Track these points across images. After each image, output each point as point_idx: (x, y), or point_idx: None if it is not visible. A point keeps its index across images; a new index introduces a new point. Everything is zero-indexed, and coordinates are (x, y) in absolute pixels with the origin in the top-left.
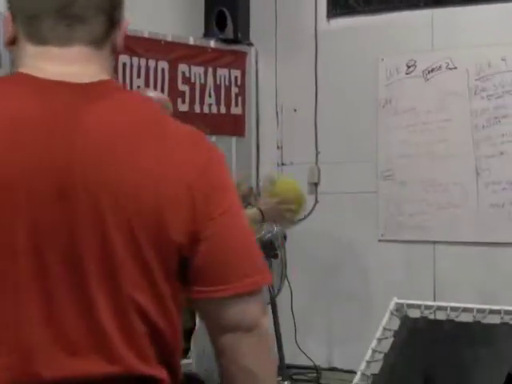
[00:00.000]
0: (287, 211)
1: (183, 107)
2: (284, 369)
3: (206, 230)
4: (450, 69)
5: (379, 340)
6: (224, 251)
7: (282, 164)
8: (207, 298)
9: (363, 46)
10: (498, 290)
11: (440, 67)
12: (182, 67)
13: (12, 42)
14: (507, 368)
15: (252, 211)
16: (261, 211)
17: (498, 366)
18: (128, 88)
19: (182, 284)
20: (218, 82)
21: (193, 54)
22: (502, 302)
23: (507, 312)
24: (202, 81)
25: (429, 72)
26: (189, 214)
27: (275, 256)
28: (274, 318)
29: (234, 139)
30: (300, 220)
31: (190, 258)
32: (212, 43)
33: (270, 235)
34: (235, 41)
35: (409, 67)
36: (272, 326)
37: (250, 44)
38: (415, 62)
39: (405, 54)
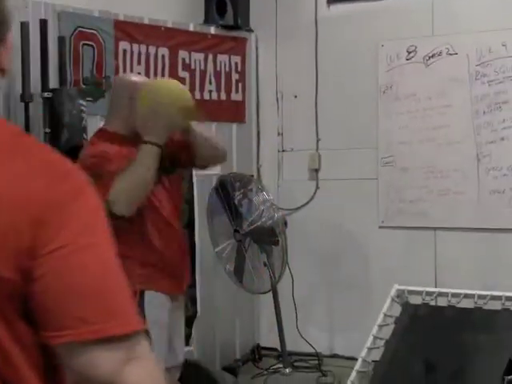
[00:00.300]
0: (170, 117)
1: None
2: (285, 356)
3: (39, 268)
4: (451, 54)
5: (380, 327)
6: (59, 292)
7: (283, 150)
8: (49, 343)
9: (363, 32)
10: (498, 275)
11: (440, 53)
12: (182, 54)
13: None
14: (508, 354)
15: (140, 153)
16: (145, 142)
17: (498, 352)
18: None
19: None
20: (218, 69)
21: (193, 41)
22: (503, 288)
23: (508, 298)
24: (202, 67)
25: (429, 58)
26: (21, 248)
27: (276, 243)
28: (275, 304)
29: (234, 125)
30: (301, 206)
31: (27, 297)
32: (212, 29)
33: (270, 222)
34: (235, 27)
35: (409, 53)
36: (273, 313)
37: (250, 30)
38: (416, 47)
39: (405, 39)
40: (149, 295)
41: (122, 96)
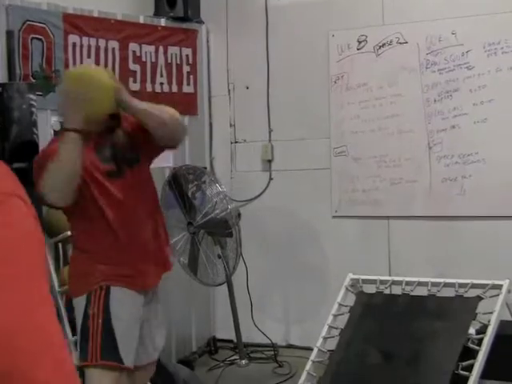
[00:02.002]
0: (81, 101)
1: (135, 86)
2: (241, 347)
3: None
4: (401, 43)
5: (335, 316)
6: None
7: (236, 142)
8: None
9: (314, 22)
10: (452, 263)
11: (391, 42)
12: (133, 46)
13: None
14: (462, 340)
15: (60, 142)
16: (64, 129)
17: (453, 338)
18: None
19: None
20: (169, 61)
21: (143, 33)
22: (456, 276)
23: (462, 285)
24: (153, 60)
25: (380, 47)
26: None
27: (230, 234)
28: (230, 296)
29: (186, 118)
30: (254, 197)
31: None
32: (162, 21)
33: (224, 214)
34: (186, 19)
35: (360, 42)
36: (229, 305)
37: (201, 22)
38: (366, 37)
39: (356, 29)
40: (114, 291)
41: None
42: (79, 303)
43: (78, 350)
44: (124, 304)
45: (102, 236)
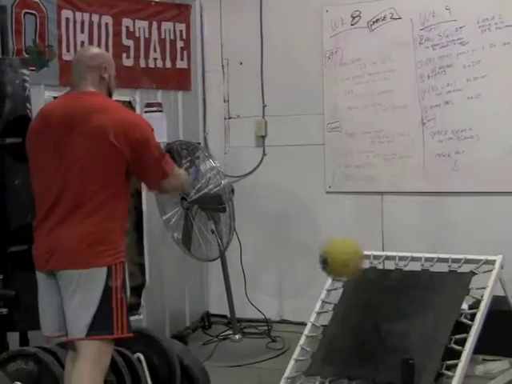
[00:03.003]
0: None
1: (128, 62)
2: (235, 322)
3: None
4: (395, 19)
5: (328, 291)
6: None
7: (229, 117)
8: None
9: None
10: (445, 238)
11: (384, 17)
12: (126, 21)
13: None
14: (455, 315)
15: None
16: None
17: (446, 312)
18: (72, 43)
19: None
20: (162, 36)
21: (137, 8)
22: (449, 251)
23: (455, 260)
24: (147, 35)
25: (373, 22)
26: None
27: (223, 210)
28: (223, 272)
29: (180, 93)
30: (248, 173)
31: None
32: None
33: (217, 189)
34: None
35: (353, 18)
36: (222, 280)
37: None
38: (360, 12)
39: (349, 4)
40: (125, 266)
41: (87, 65)
42: (97, 274)
43: (92, 320)
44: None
45: (123, 217)
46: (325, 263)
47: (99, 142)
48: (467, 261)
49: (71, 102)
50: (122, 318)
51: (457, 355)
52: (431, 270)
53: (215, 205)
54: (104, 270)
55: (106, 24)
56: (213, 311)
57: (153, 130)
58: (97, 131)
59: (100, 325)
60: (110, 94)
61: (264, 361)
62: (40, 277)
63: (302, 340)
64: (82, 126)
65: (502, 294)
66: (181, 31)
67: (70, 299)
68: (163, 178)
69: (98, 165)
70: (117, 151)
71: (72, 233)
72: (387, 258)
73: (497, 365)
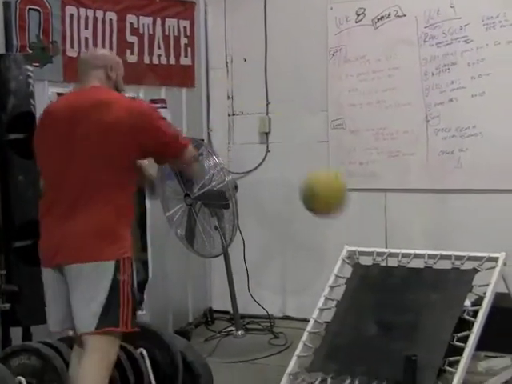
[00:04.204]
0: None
1: (132, 58)
2: (237, 318)
3: None
4: (399, 16)
5: (332, 288)
6: None
7: (233, 114)
8: None
9: None
10: (448, 235)
11: (389, 15)
12: (130, 18)
13: None
14: (458, 312)
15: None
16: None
17: (449, 310)
18: (76, 40)
19: None
20: (166, 33)
21: (141, 5)
22: (452, 248)
23: (458, 257)
24: (151, 31)
25: (378, 20)
26: None
27: (227, 206)
28: (226, 268)
29: (184, 90)
30: (252, 170)
31: None
32: None
33: (221, 186)
34: None
35: (358, 15)
36: (225, 277)
37: None
38: (364, 10)
39: (354, 2)
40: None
41: (93, 65)
42: (105, 268)
43: (101, 313)
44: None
45: (132, 212)
46: (309, 201)
47: (110, 134)
48: (470, 258)
49: (77, 96)
50: (127, 312)
51: (459, 352)
52: (434, 267)
53: (219, 201)
54: (112, 263)
55: (111, 20)
56: (216, 307)
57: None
58: (106, 124)
59: (107, 318)
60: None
61: (266, 357)
62: (47, 272)
63: (305, 336)
64: (88, 120)
65: (504, 290)
66: (185, 28)
67: (79, 293)
68: (185, 148)
69: (106, 158)
70: (127, 143)
71: (79, 226)
72: (390, 254)
73: (499, 361)
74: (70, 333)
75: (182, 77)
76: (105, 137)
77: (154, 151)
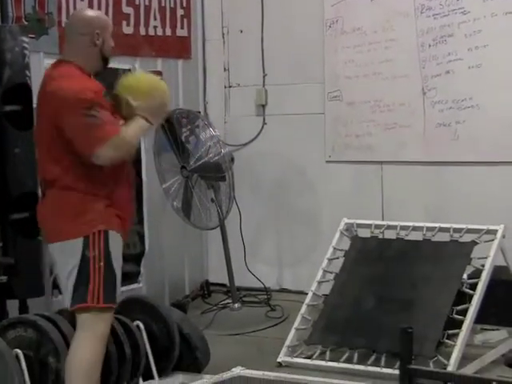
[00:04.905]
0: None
1: (128, 30)
2: (234, 291)
3: None
4: None
5: (330, 260)
6: None
7: (230, 86)
8: None
9: None
10: (444, 208)
11: None
12: None
13: None
14: (457, 285)
15: (136, 125)
16: (144, 118)
17: (447, 283)
18: (72, 11)
19: None
20: (162, 4)
21: None
22: (449, 220)
23: (456, 230)
24: (147, 2)
25: None
26: None
27: (223, 179)
28: (223, 240)
29: (180, 62)
30: (248, 142)
31: None
32: None
33: (217, 158)
34: None
35: None
36: (222, 249)
37: None
38: None
39: None
40: (112, 234)
41: (77, 32)
42: (74, 246)
43: (72, 293)
44: (119, 246)
45: (105, 182)
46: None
47: (46, 111)
48: (469, 230)
49: (49, 70)
50: (98, 287)
51: (458, 325)
52: (433, 239)
53: (215, 174)
54: (80, 240)
55: None
56: (212, 280)
57: (96, 94)
58: (44, 101)
59: (77, 295)
60: (104, 59)
61: (263, 329)
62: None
63: (303, 309)
64: (44, 95)
65: (502, 263)
66: None
67: (58, 271)
68: (95, 146)
69: (47, 138)
70: (53, 120)
71: (46, 207)
72: (388, 227)
73: (495, 334)
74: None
75: (178, 48)
76: (46, 115)
77: (68, 132)
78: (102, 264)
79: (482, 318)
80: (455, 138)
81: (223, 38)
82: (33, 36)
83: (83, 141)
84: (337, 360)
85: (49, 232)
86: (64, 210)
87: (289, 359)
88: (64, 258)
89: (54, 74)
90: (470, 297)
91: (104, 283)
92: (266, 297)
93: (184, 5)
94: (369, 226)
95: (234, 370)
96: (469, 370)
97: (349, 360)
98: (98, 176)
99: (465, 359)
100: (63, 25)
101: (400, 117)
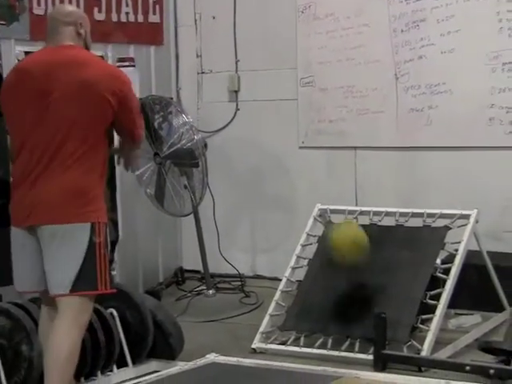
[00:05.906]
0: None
1: (100, 16)
2: (208, 278)
3: None
4: None
5: (303, 246)
6: None
7: (202, 72)
8: None
9: None
10: (418, 193)
11: None
12: None
13: None
14: (430, 270)
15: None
16: None
17: (421, 268)
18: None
19: None
20: None
21: None
22: (422, 205)
23: (430, 215)
24: None
25: None
26: None
27: (196, 165)
28: (196, 227)
29: (152, 48)
30: (221, 128)
31: None
32: None
33: (190, 144)
34: None
35: None
36: (196, 236)
37: None
38: None
39: None
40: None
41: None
42: (80, 229)
43: (76, 276)
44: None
45: (103, 176)
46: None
47: (86, 94)
48: (442, 215)
49: (52, 53)
50: (105, 273)
51: (431, 309)
52: (406, 225)
53: (188, 160)
54: (88, 225)
55: None
56: (186, 266)
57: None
58: (83, 84)
59: (84, 280)
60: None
61: (237, 316)
62: (17, 233)
63: (277, 295)
64: (64, 79)
65: (476, 248)
66: None
67: (54, 255)
68: (141, 135)
69: (82, 117)
70: (105, 103)
71: (53, 186)
72: (362, 212)
73: (469, 319)
74: (37, 294)
75: (151, 34)
76: (82, 97)
77: (121, 121)
78: (105, 251)
79: (455, 303)
80: (428, 123)
81: (196, 24)
82: (3, 23)
83: (140, 121)
84: (311, 346)
85: (47, 212)
86: (78, 190)
87: (263, 345)
88: (55, 241)
89: (78, 58)
90: (444, 281)
91: (109, 269)
92: (240, 283)
93: None
94: (342, 211)
95: (208, 356)
96: (442, 354)
97: (323, 346)
98: (106, 165)
99: (438, 344)
100: (34, 11)
101: (373, 102)
